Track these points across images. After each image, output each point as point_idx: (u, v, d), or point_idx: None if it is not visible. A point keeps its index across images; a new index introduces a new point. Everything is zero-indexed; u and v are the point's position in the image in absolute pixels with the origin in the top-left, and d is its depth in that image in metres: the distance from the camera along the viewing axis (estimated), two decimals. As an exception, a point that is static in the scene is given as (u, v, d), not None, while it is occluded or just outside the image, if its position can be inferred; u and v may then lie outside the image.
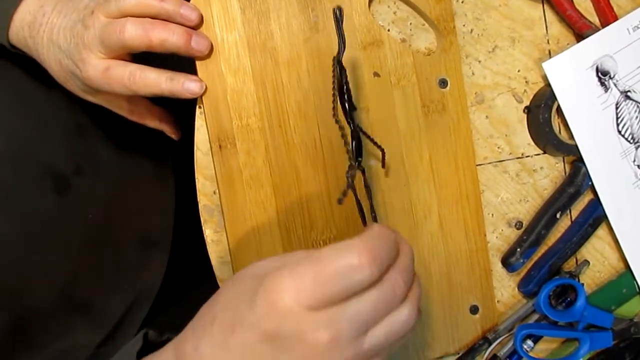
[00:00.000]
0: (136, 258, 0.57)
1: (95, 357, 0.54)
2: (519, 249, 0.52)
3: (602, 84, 0.51)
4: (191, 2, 0.47)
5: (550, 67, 0.50)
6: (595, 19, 0.52)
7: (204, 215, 0.51)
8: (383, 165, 0.50)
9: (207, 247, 0.51)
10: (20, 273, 0.46)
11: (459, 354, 0.53)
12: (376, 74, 0.50)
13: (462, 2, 0.51)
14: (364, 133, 0.47)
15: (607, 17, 0.51)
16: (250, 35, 0.48)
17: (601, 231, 0.54)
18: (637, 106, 0.51)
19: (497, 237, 0.54)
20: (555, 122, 0.51)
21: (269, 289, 0.31)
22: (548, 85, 0.51)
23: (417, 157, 0.51)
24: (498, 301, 0.54)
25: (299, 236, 0.50)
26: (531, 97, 0.53)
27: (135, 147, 0.58)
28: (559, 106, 0.51)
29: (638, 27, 0.51)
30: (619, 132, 0.52)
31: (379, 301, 0.32)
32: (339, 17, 0.36)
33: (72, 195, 0.49)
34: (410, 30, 0.51)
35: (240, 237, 0.50)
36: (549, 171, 0.53)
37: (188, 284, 0.63)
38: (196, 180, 0.51)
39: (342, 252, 0.31)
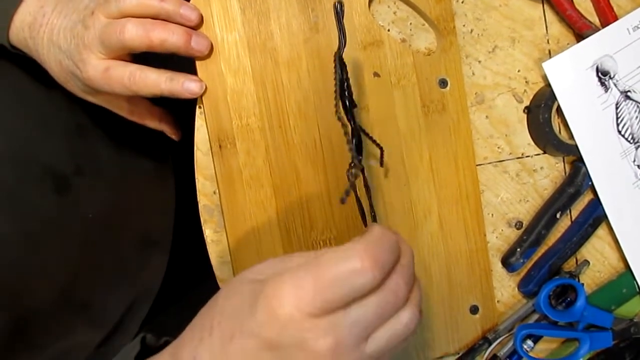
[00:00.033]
0: (136, 258, 0.57)
1: (95, 357, 0.54)
2: (519, 249, 0.52)
3: (602, 84, 0.51)
4: (191, 2, 0.47)
5: (550, 67, 0.50)
6: (595, 19, 0.52)
7: (203, 215, 0.51)
8: (381, 164, 0.50)
9: (207, 247, 0.51)
10: (20, 273, 0.46)
11: (459, 354, 0.53)
12: (376, 74, 0.50)
13: (462, 2, 0.51)
14: (363, 131, 0.47)
15: (607, 17, 0.51)
16: (250, 36, 0.48)
17: (601, 231, 0.54)
18: (637, 106, 0.51)
19: (497, 237, 0.54)
20: (555, 122, 0.51)
21: (269, 296, 0.30)
22: (548, 85, 0.51)
23: (417, 157, 0.51)
24: (498, 301, 0.54)
25: (299, 236, 0.50)
26: (531, 97, 0.53)
27: (135, 147, 0.58)
28: (559, 106, 0.51)
29: (638, 27, 0.51)
30: (619, 132, 0.52)
31: (381, 306, 0.31)
32: (339, 11, 0.36)
33: (72, 196, 0.50)
34: (410, 30, 0.51)
35: (240, 237, 0.50)
36: (549, 171, 0.53)
37: (188, 284, 0.63)
38: (196, 180, 0.51)
39: (343, 257, 0.30)
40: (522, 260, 0.52)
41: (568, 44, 0.52)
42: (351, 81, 0.42)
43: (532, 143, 0.53)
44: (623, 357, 0.53)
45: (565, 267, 0.54)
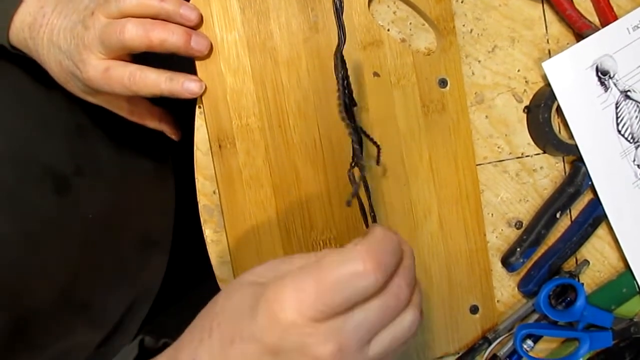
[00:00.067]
0: (136, 258, 0.57)
1: (95, 358, 0.54)
2: (518, 249, 0.52)
3: (602, 83, 0.51)
4: (191, 2, 0.47)
5: (550, 67, 0.50)
6: (595, 19, 0.52)
7: (203, 215, 0.51)
8: (378, 162, 0.49)
9: (207, 247, 0.51)
10: (20, 273, 0.46)
11: (459, 353, 0.53)
12: (376, 74, 0.50)
13: (462, 2, 0.51)
14: (361, 130, 0.47)
15: (607, 16, 0.51)
16: (249, 35, 0.49)
17: (601, 231, 0.54)
18: (637, 106, 0.51)
19: (497, 237, 0.54)
20: (555, 121, 0.51)
21: (270, 300, 0.30)
22: (548, 85, 0.51)
23: (417, 157, 0.51)
24: (498, 301, 0.54)
25: (299, 236, 0.50)
26: (531, 97, 0.52)
27: (135, 147, 0.58)
28: (558, 106, 0.51)
29: (638, 27, 0.51)
30: (619, 131, 0.52)
31: (384, 309, 0.31)
32: (339, 7, 0.36)
33: (72, 196, 0.50)
34: (410, 30, 0.51)
35: (240, 237, 0.50)
36: (549, 171, 0.53)
37: (188, 284, 0.63)
38: (196, 180, 0.51)
39: (345, 259, 0.30)
40: (522, 260, 0.52)
41: (568, 43, 0.52)
42: (351, 81, 0.42)
43: (532, 143, 0.53)
44: (623, 356, 0.53)
45: (565, 267, 0.54)
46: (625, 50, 0.51)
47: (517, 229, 0.54)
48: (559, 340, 0.55)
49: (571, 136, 0.51)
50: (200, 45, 0.46)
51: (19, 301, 0.46)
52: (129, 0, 0.43)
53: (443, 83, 0.50)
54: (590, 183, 0.52)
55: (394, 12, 0.51)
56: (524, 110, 0.53)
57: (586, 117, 0.51)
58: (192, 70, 0.48)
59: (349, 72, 0.41)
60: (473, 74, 0.52)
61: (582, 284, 0.54)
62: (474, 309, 0.53)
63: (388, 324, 0.32)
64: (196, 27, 0.47)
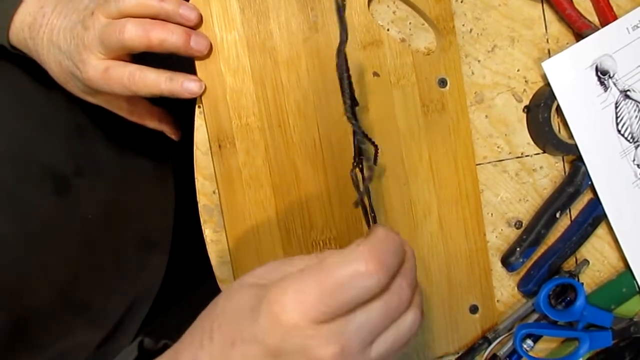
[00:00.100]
0: (136, 258, 0.58)
1: (95, 358, 0.54)
2: (518, 249, 0.52)
3: (602, 83, 0.51)
4: (190, 1, 0.47)
5: (550, 67, 0.50)
6: (594, 19, 0.52)
7: (203, 215, 0.51)
8: (375, 163, 0.49)
9: (207, 247, 0.51)
10: (20, 273, 0.46)
11: (458, 353, 0.53)
12: (375, 74, 0.50)
13: (462, 1, 0.51)
14: (361, 130, 0.47)
15: (607, 16, 0.51)
16: (249, 35, 0.49)
17: (601, 230, 0.54)
18: (637, 105, 0.51)
19: (496, 237, 0.54)
20: (555, 121, 0.51)
21: (272, 302, 0.30)
22: (547, 84, 0.51)
23: (416, 156, 0.51)
24: (498, 301, 0.54)
25: (299, 236, 0.50)
26: (530, 97, 0.53)
27: (135, 147, 0.58)
28: (558, 105, 0.51)
29: (637, 27, 0.51)
30: (619, 131, 0.52)
31: (386, 310, 0.31)
32: (341, 6, 0.36)
33: (72, 196, 0.50)
34: (410, 29, 0.51)
35: (240, 236, 0.50)
36: (549, 170, 0.53)
37: (188, 284, 0.63)
38: (195, 180, 0.51)
39: (347, 260, 0.29)
40: (521, 260, 0.52)
41: (567, 43, 0.52)
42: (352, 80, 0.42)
43: (532, 142, 0.53)
44: (623, 356, 0.53)
45: (564, 267, 0.54)
46: (625, 50, 0.51)
47: (517, 228, 0.54)
48: (559, 340, 0.55)
49: (571, 136, 0.51)
50: (200, 45, 0.46)
51: (19, 301, 0.46)
52: (129, 0, 0.43)
53: (443, 83, 0.50)
54: (590, 183, 0.52)
55: (394, 12, 0.51)
56: (523, 110, 0.53)
57: (586, 116, 0.51)
58: (191, 70, 0.48)
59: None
60: (473, 73, 0.52)
61: (582, 283, 0.54)
62: (474, 309, 0.53)
63: (390, 325, 0.32)
64: (196, 27, 0.47)
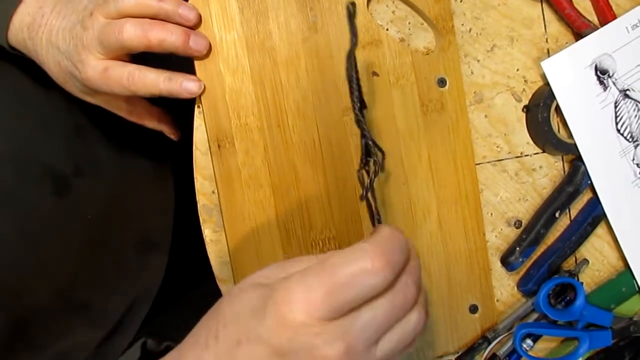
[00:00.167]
0: (136, 258, 0.58)
1: (95, 358, 0.54)
2: (518, 248, 0.52)
3: (601, 82, 0.51)
4: (189, 1, 0.47)
5: (549, 66, 0.50)
6: (594, 18, 0.52)
7: (202, 215, 0.51)
8: (382, 169, 0.49)
9: (206, 246, 0.51)
10: (20, 273, 0.46)
11: (458, 353, 0.53)
12: (375, 74, 0.50)
13: (461, 1, 0.51)
14: (369, 134, 0.47)
15: (606, 15, 0.51)
16: (248, 35, 0.49)
17: (600, 230, 0.54)
18: (636, 105, 0.51)
19: (496, 236, 0.54)
20: (554, 121, 0.51)
21: (278, 301, 0.30)
22: (547, 84, 0.51)
23: (416, 156, 0.51)
24: (497, 300, 0.54)
25: (298, 236, 0.50)
26: (530, 96, 0.52)
27: (135, 147, 0.58)
28: (557, 105, 0.51)
29: (637, 26, 0.51)
30: (618, 130, 0.51)
31: (392, 307, 0.31)
32: (352, 12, 0.37)
33: (72, 196, 0.50)
34: (409, 29, 0.51)
35: (239, 236, 0.50)
36: (548, 170, 0.53)
37: (188, 284, 0.63)
38: (195, 180, 0.51)
39: (353, 257, 0.29)
40: (521, 259, 0.52)
41: (567, 42, 0.52)
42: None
43: (531, 142, 0.53)
44: (622, 355, 0.53)
45: (564, 266, 0.54)
46: (624, 49, 0.51)
47: (517, 228, 0.54)
48: (559, 339, 0.55)
49: (570, 135, 0.51)
50: (199, 45, 0.46)
51: (19, 301, 0.46)
52: (128, 0, 0.43)
53: (442, 82, 0.50)
54: (589, 182, 0.52)
55: (393, 12, 0.51)
56: (523, 110, 0.53)
57: (585, 116, 0.51)
58: (191, 70, 0.48)
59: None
60: (472, 73, 0.52)
61: (582, 283, 0.54)
62: (474, 309, 0.53)
63: (395, 324, 0.32)
64: (195, 27, 0.47)
